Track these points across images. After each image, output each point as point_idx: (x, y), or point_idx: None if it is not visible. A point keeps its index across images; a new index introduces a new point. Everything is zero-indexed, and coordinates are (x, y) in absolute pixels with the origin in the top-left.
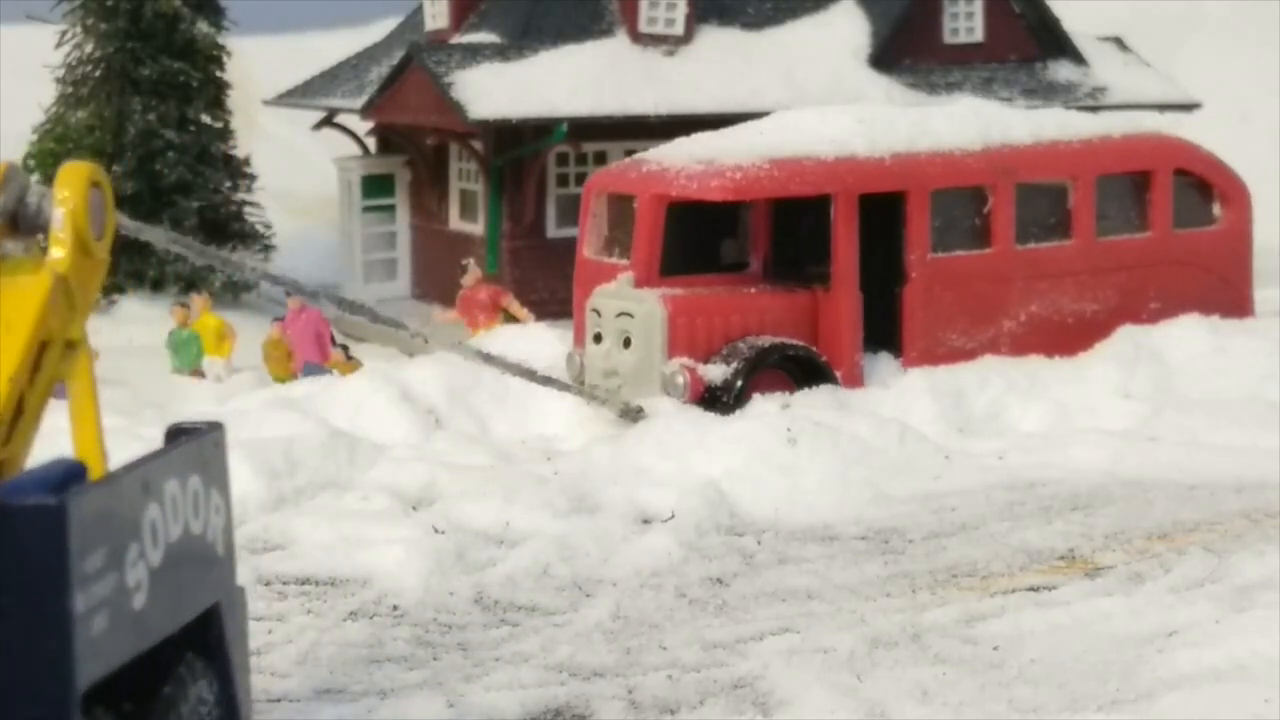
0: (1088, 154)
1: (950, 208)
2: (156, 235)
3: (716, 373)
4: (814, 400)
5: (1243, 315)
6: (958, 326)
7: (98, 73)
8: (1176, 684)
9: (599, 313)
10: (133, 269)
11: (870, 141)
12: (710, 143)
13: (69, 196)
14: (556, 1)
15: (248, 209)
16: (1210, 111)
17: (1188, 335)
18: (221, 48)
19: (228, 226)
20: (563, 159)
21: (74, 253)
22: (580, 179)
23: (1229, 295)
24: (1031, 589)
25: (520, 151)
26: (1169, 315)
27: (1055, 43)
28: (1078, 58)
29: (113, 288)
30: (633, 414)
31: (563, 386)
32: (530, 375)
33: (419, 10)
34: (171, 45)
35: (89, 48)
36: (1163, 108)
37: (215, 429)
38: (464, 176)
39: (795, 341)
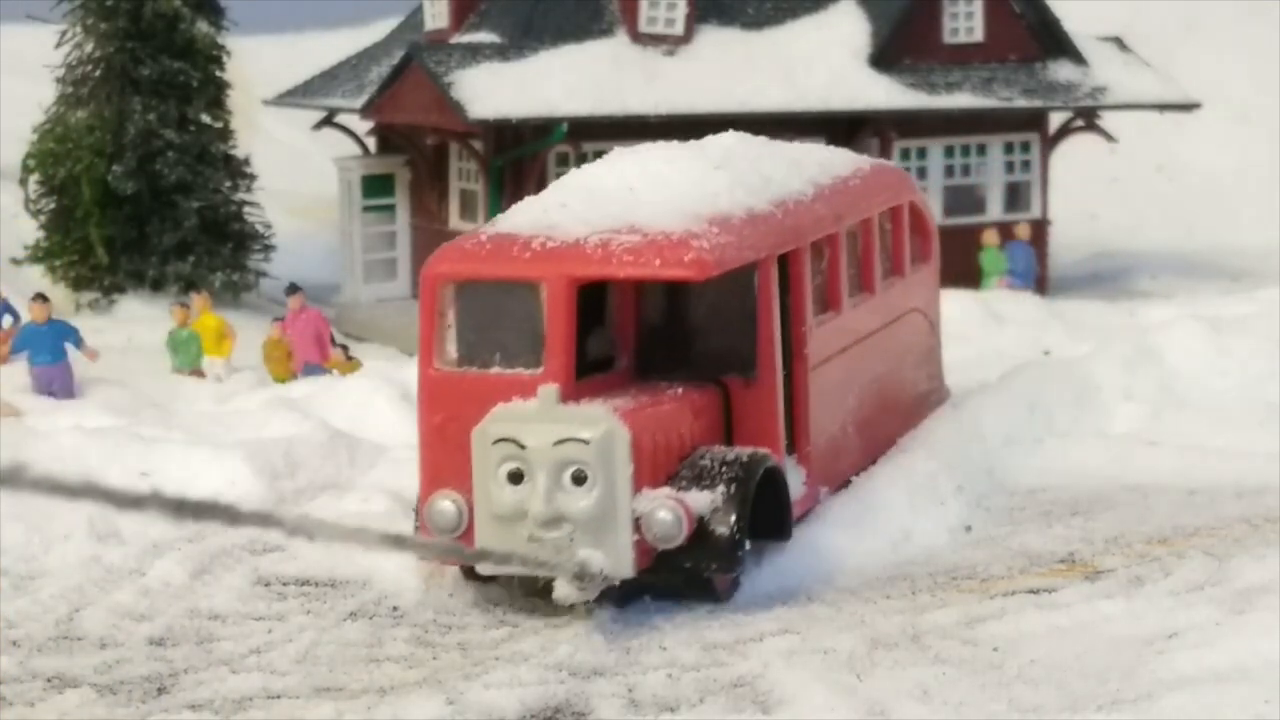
0: (868, 190)
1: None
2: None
3: (701, 502)
4: None
5: (939, 381)
6: (831, 412)
7: (98, 72)
8: (1176, 685)
9: (518, 443)
10: (133, 269)
11: (748, 189)
12: (557, 206)
13: None
14: (556, 1)
15: (248, 209)
16: (1210, 111)
17: (1188, 336)
18: (221, 48)
19: (228, 226)
20: (563, 159)
21: None
22: None
23: (935, 351)
24: (1031, 591)
25: (520, 151)
26: (911, 372)
27: (1055, 43)
28: (1078, 58)
29: (113, 287)
30: (592, 579)
31: (476, 557)
32: (409, 545)
33: (419, 10)
34: (171, 45)
35: (89, 47)
36: (1163, 108)
37: None
38: (464, 176)
39: (760, 449)
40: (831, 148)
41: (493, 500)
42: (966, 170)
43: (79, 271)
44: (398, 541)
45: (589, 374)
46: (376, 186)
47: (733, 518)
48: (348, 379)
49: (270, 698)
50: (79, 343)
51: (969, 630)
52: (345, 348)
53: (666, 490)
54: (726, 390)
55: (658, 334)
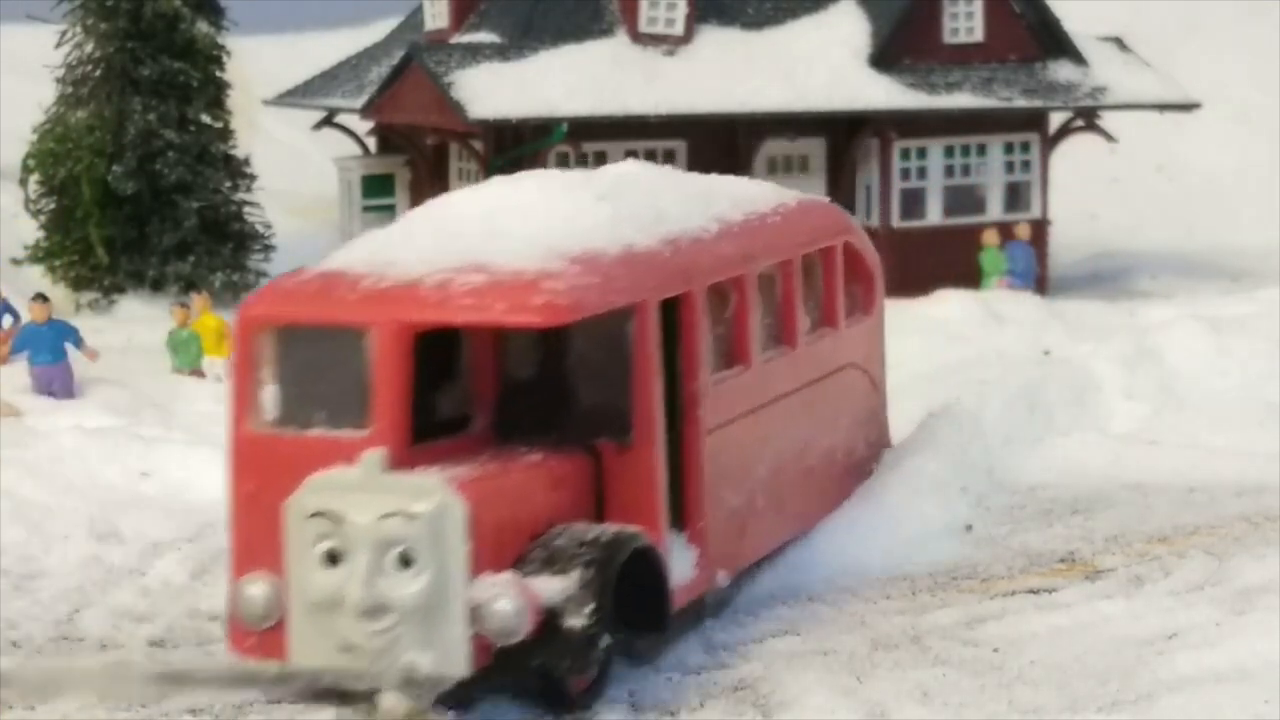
0: (790, 228)
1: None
2: None
3: (551, 590)
4: None
5: (883, 443)
6: (736, 484)
7: (98, 73)
8: (1176, 686)
9: (337, 519)
10: (132, 269)
11: (634, 224)
12: (399, 240)
13: None
14: (556, 1)
15: (248, 209)
16: (1210, 111)
17: (1188, 336)
18: (221, 48)
19: (228, 226)
20: (563, 159)
21: None
22: None
23: (879, 412)
24: (1032, 591)
25: (520, 151)
26: (845, 436)
27: (1055, 43)
28: (1078, 58)
29: (113, 288)
30: (424, 685)
31: (275, 681)
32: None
33: (419, 10)
34: (171, 45)
35: (89, 47)
36: (1163, 108)
37: None
38: (464, 176)
39: (629, 527)
40: (756, 181)
41: (307, 585)
42: (966, 170)
43: (79, 271)
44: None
45: (435, 436)
46: (376, 186)
47: (588, 608)
48: None
49: (271, 702)
50: (79, 343)
51: (969, 631)
52: None
53: (509, 576)
54: (599, 457)
55: (523, 390)
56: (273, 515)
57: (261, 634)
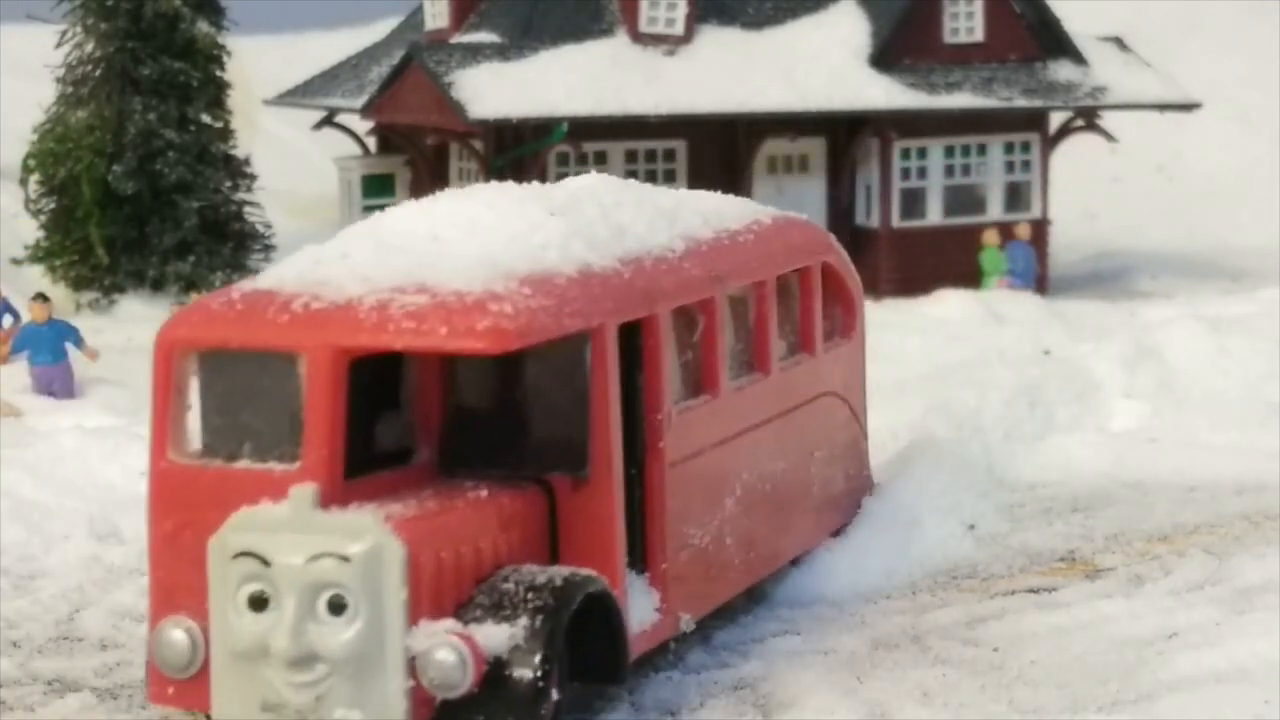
0: (765, 248)
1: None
2: None
3: (496, 639)
4: None
5: (863, 476)
6: (699, 519)
7: (98, 72)
8: (1177, 686)
9: (263, 560)
10: (133, 269)
11: (590, 242)
12: (336, 257)
13: None
14: (556, 1)
15: (248, 209)
16: (1210, 111)
17: (1188, 335)
18: (221, 47)
19: (228, 226)
20: (563, 159)
21: None
22: None
23: (859, 443)
24: (1032, 591)
25: (520, 151)
26: (823, 468)
27: (1055, 43)
28: (1078, 58)
29: (113, 287)
30: None
31: None
32: None
33: (419, 10)
34: (171, 45)
35: (89, 47)
36: (1163, 108)
37: None
38: (464, 176)
39: (583, 570)
40: (730, 197)
41: (230, 631)
42: (966, 170)
43: (79, 271)
44: None
45: (373, 470)
46: (376, 186)
47: (536, 658)
48: None
49: None
50: (79, 343)
51: (970, 630)
52: None
53: (450, 623)
54: (552, 492)
55: (471, 420)
56: (196, 554)
57: (183, 683)
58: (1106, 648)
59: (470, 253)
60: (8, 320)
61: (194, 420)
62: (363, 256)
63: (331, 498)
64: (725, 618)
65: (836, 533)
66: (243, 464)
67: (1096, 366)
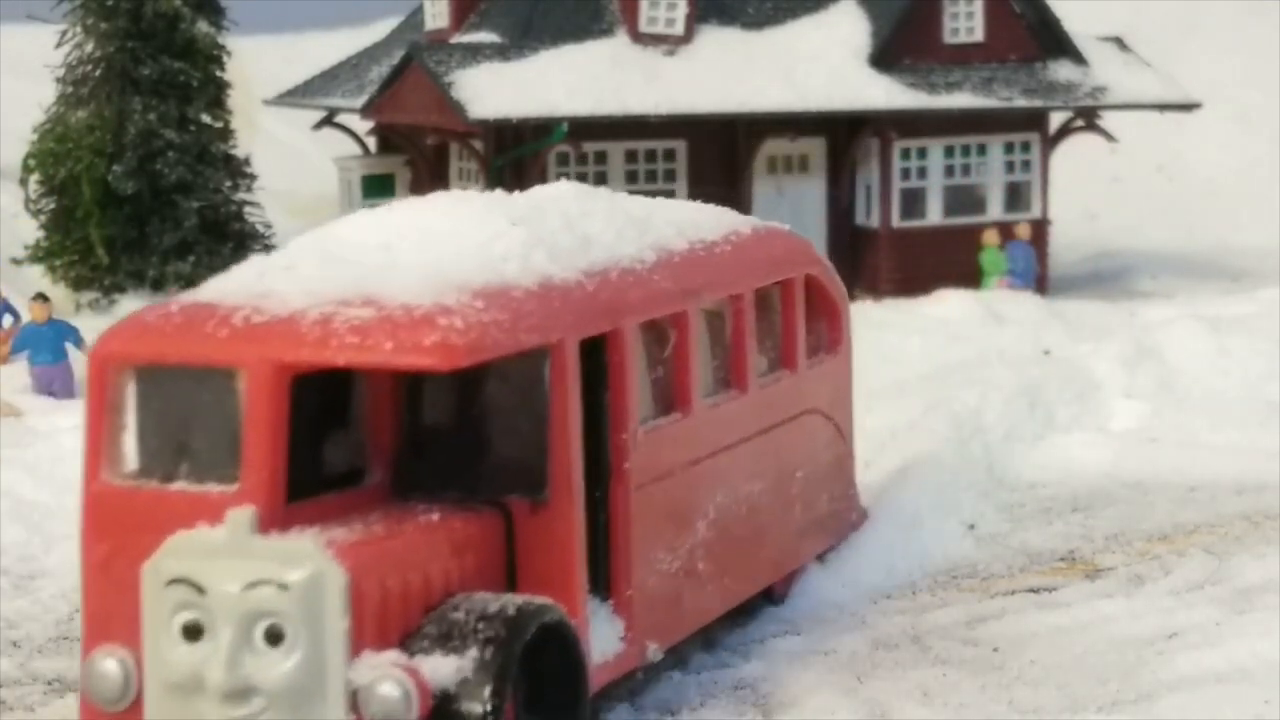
0: (743, 259)
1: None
2: None
3: (444, 672)
4: None
5: (850, 497)
6: (669, 543)
7: (98, 72)
8: (1177, 686)
9: (198, 587)
10: (133, 269)
11: (551, 253)
12: (279, 269)
13: None
14: (556, 1)
15: (248, 209)
16: (1210, 111)
17: (1188, 335)
18: (221, 47)
19: (228, 226)
20: (563, 159)
21: None
22: (580, 180)
23: (845, 462)
24: (1032, 590)
25: (520, 151)
26: (806, 490)
27: (1055, 43)
28: (1078, 58)
29: (113, 287)
30: None
31: None
32: None
33: (419, 10)
34: (171, 45)
35: (89, 47)
36: (1163, 108)
37: None
38: (464, 176)
39: (538, 598)
40: (708, 206)
41: (164, 662)
42: (966, 170)
43: (79, 271)
44: None
45: (319, 492)
46: (377, 186)
47: (486, 691)
48: None
49: None
50: (79, 342)
51: (970, 630)
52: None
53: (395, 655)
54: (509, 516)
55: (425, 440)
56: (130, 581)
57: (115, 716)
58: (1106, 648)
59: (422, 264)
60: (8, 320)
61: (130, 440)
62: (309, 268)
63: (271, 522)
64: (725, 618)
65: (823, 555)
66: (180, 486)
67: (1096, 366)
